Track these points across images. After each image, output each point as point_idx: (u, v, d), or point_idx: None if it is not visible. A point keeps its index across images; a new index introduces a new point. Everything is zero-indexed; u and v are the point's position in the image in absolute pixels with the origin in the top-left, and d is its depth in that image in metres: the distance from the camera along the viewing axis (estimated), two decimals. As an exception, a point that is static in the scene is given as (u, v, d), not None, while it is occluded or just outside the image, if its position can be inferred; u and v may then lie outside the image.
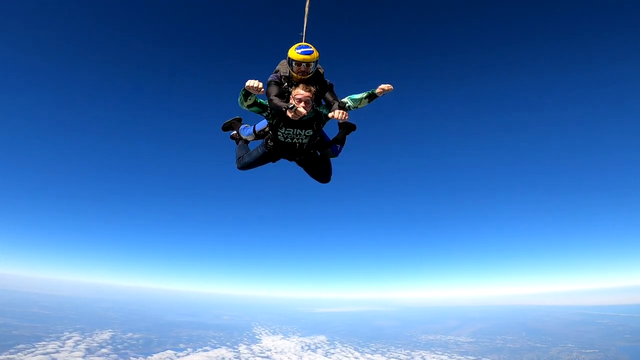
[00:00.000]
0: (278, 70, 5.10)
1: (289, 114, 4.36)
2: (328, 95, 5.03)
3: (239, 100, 4.48)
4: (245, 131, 5.69)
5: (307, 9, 5.34)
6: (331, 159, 5.59)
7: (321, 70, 5.13)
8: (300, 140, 4.78)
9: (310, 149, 5.01)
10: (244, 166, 5.37)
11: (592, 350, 51.99)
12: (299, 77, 4.78)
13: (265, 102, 4.68)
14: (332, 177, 5.55)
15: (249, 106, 4.53)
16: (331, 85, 5.12)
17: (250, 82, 4.18)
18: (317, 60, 4.78)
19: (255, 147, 5.35)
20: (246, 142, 5.79)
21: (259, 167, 5.36)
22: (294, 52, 4.69)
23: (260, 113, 4.63)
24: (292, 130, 4.68)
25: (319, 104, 5.01)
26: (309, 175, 5.45)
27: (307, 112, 4.50)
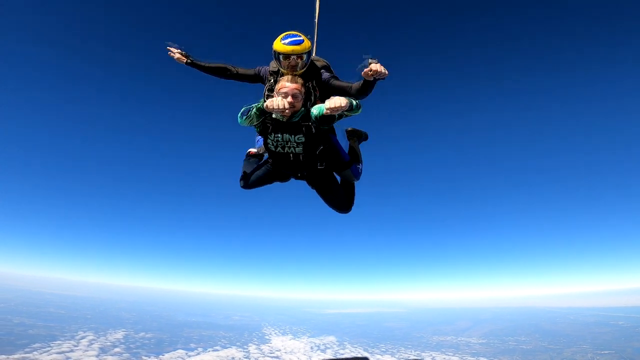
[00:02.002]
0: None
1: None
2: (334, 85, 4.00)
3: (243, 119, 3.66)
4: (258, 143, 4.65)
5: (317, 6, 4.69)
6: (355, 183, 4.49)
7: (319, 63, 4.20)
8: (292, 150, 3.78)
9: (312, 163, 3.89)
10: (247, 185, 4.41)
11: (607, 352, 50.77)
12: (290, 73, 3.85)
13: None
14: (353, 206, 4.42)
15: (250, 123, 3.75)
16: (333, 78, 4.06)
17: (275, 103, 3.39)
18: (309, 51, 3.88)
19: (259, 163, 4.43)
20: (255, 156, 4.66)
21: (265, 185, 4.40)
22: (279, 43, 3.77)
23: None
24: (280, 135, 3.73)
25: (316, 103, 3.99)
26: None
27: (295, 110, 3.63)
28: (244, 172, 4.46)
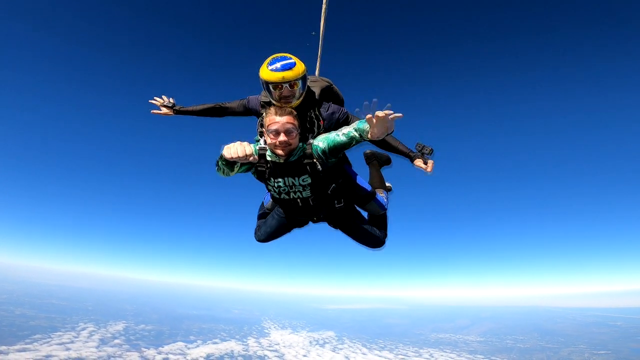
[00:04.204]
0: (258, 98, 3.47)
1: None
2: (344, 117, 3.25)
3: (219, 171, 2.92)
4: (266, 198, 3.87)
5: (324, 6, 3.87)
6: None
7: (317, 85, 3.40)
8: (299, 195, 3.04)
9: (326, 204, 3.17)
10: (263, 238, 3.78)
11: (604, 352, 51.00)
12: (282, 104, 3.01)
13: None
14: (387, 238, 3.64)
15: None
16: (348, 116, 3.27)
17: (232, 150, 2.58)
18: (304, 76, 3.01)
19: (271, 213, 3.72)
20: (268, 210, 3.89)
21: (283, 235, 3.74)
22: (265, 70, 2.94)
23: (248, 170, 3.12)
24: (281, 180, 3.00)
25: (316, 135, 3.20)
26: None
27: (292, 147, 2.89)
28: (258, 226, 3.85)
